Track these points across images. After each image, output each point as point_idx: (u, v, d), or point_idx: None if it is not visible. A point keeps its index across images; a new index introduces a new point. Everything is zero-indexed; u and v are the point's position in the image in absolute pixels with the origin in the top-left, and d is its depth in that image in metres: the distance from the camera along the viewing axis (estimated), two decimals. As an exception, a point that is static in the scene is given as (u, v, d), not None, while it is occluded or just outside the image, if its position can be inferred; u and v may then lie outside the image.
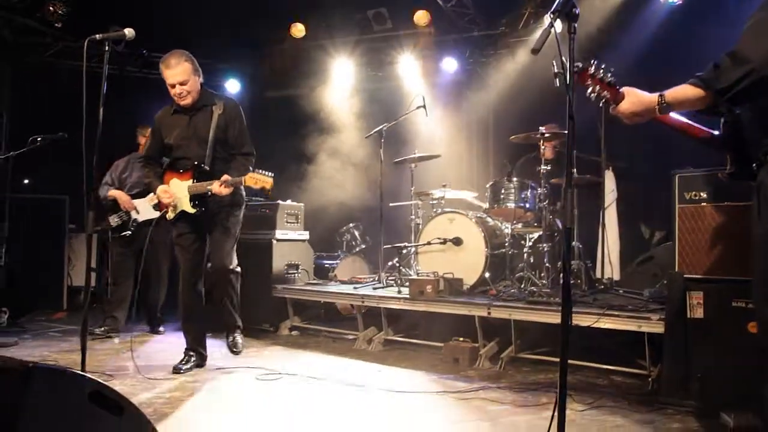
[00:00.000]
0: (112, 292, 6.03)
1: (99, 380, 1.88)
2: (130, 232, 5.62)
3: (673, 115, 2.38)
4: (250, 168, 3.95)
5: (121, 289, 5.79)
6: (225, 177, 3.84)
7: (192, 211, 4.02)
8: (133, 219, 5.65)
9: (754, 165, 2.23)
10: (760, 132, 2.15)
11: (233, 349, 4.26)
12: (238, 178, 3.82)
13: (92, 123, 3.00)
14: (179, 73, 3.94)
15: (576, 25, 2.04)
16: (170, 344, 5.03)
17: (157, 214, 5.57)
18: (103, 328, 5.48)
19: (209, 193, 3.93)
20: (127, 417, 1.78)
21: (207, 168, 4.00)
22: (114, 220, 5.65)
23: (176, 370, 4.06)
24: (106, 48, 3.11)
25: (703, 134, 2.51)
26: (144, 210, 5.63)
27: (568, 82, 2.02)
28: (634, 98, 2.31)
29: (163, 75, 4.01)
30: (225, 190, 3.86)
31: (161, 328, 5.79)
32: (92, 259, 3.42)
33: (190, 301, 4.20)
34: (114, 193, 5.66)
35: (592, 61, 2.31)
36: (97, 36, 3.11)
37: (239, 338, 4.31)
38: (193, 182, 4.01)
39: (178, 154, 4.13)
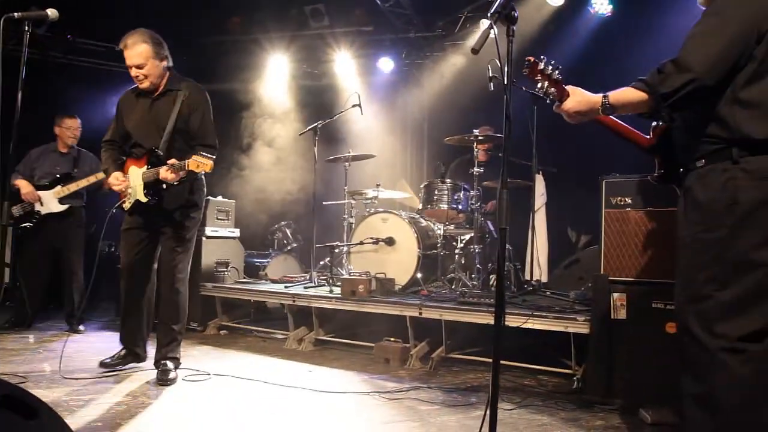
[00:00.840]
0: (21, 288, 5.75)
1: (11, 383, 1.77)
2: (30, 224, 5.37)
3: (612, 117, 2.45)
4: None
5: (29, 284, 5.53)
6: (172, 161, 3.60)
7: (144, 200, 3.77)
8: (36, 211, 5.41)
9: (681, 170, 2.33)
10: (689, 138, 2.24)
11: (162, 377, 3.73)
12: (183, 162, 3.54)
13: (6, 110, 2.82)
14: (135, 56, 3.69)
15: (515, 27, 2.06)
16: (91, 344, 4.81)
17: (62, 208, 5.39)
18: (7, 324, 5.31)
19: (163, 182, 3.67)
20: (42, 421, 1.68)
21: (161, 153, 3.74)
22: (16, 210, 5.40)
23: (103, 364, 3.89)
24: (27, 28, 2.92)
25: (637, 137, 2.61)
26: (48, 202, 5.43)
27: (505, 82, 2.04)
28: (580, 97, 2.36)
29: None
30: (171, 176, 3.58)
31: (81, 327, 5.52)
32: (6, 254, 3.25)
33: (128, 303, 3.97)
34: (19, 182, 5.40)
35: (542, 57, 2.35)
36: (16, 14, 2.89)
37: (172, 369, 3.82)
38: (147, 169, 3.76)
39: (135, 140, 3.89)
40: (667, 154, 2.49)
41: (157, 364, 3.88)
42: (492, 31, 1.99)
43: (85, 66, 8.21)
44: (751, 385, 2.04)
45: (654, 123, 2.55)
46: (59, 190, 5.41)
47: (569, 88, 2.38)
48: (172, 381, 3.74)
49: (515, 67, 2.24)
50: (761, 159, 2.05)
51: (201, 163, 3.48)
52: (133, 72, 3.74)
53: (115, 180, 3.83)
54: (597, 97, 2.30)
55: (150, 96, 3.86)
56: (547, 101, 2.41)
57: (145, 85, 3.79)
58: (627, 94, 2.25)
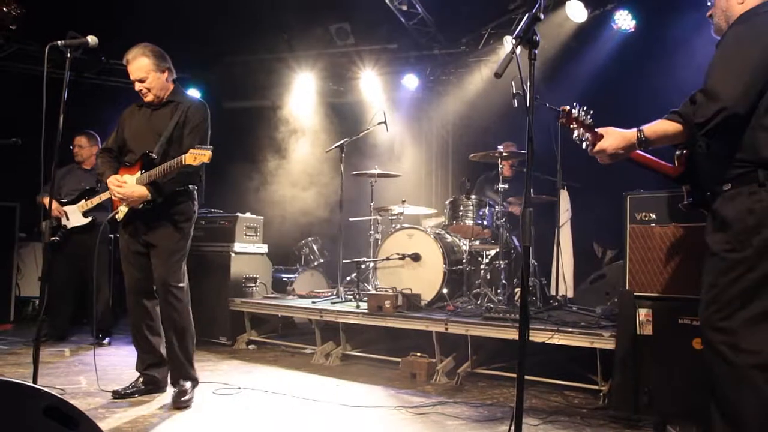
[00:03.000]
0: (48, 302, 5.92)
1: (55, 394, 1.85)
2: (57, 239, 5.54)
3: (639, 152, 2.50)
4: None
5: (58, 297, 5.71)
6: (167, 163, 3.55)
7: (139, 205, 3.67)
8: (62, 225, 5.60)
9: (708, 194, 2.36)
10: (714, 164, 2.28)
11: (176, 399, 3.61)
12: (178, 158, 3.46)
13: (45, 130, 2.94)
14: (136, 70, 3.74)
15: (536, 51, 2.12)
16: (122, 358, 4.93)
17: (86, 221, 5.56)
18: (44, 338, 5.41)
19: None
20: (83, 431, 1.76)
21: (155, 157, 3.66)
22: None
23: (116, 394, 3.72)
24: (68, 54, 3.06)
25: (664, 168, 2.65)
26: (73, 216, 5.63)
27: (528, 105, 2.09)
28: (617, 135, 2.41)
29: None
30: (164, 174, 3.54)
31: (106, 341, 5.66)
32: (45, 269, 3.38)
33: (137, 319, 3.87)
34: (44, 199, 5.58)
35: (574, 105, 2.43)
36: (59, 42, 3.04)
37: (189, 389, 3.70)
38: (142, 173, 3.69)
39: (130, 147, 3.87)
40: (695, 181, 2.53)
41: (174, 383, 3.79)
42: (515, 54, 2.05)
43: (117, 86, 8.44)
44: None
45: (678, 152, 2.58)
46: (83, 204, 5.60)
47: (602, 129, 2.44)
48: (186, 403, 3.60)
49: (538, 85, 2.30)
50: None
51: (198, 155, 3.38)
52: (137, 86, 3.78)
53: (116, 180, 3.69)
54: (632, 132, 2.36)
55: (150, 107, 3.87)
56: (583, 147, 2.47)
57: (149, 98, 3.80)
58: (662, 126, 2.30)
